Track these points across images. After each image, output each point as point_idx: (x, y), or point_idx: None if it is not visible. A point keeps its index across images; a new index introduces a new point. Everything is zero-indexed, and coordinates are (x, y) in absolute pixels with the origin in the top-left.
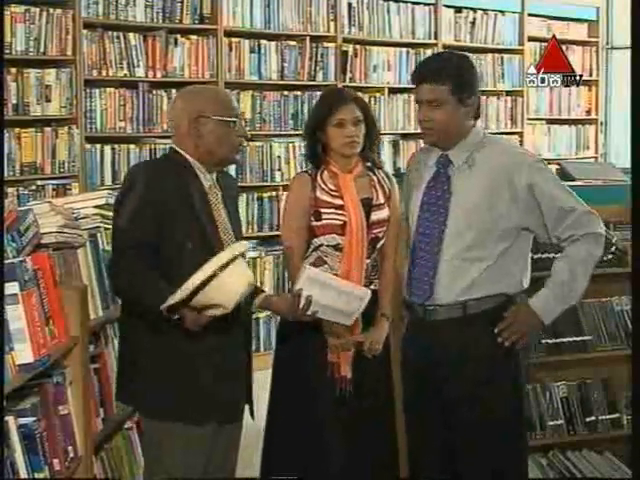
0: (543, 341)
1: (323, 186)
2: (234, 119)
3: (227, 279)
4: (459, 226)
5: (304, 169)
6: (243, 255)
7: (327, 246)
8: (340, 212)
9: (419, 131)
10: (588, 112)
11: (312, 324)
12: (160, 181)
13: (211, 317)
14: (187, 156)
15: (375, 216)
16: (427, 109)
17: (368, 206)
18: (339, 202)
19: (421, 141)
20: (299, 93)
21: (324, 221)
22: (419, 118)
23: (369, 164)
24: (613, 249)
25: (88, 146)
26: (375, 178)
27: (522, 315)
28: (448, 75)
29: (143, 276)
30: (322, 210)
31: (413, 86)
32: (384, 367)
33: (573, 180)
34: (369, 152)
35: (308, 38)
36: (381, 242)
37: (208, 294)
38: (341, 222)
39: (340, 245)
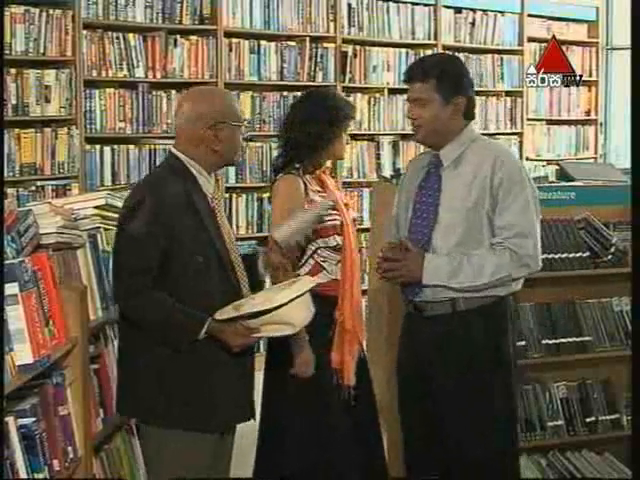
0: (543, 341)
1: (312, 187)
2: (245, 123)
3: (304, 303)
4: (447, 224)
5: (288, 171)
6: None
7: (325, 248)
8: (335, 212)
9: None
10: (588, 113)
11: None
12: (165, 201)
13: (259, 339)
14: (191, 162)
15: (352, 214)
16: (414, 107)
17: (344, 205)
18: (330, 203)
19: None
20: (299, 94)
21: (326, 223)
22: (407, 116)
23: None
24: (613, 250)
25: (88, 147)
26: (333, 181)
27: (410, 262)
28: (431, 73)
29: (172, 305)
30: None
31: None
32: (366, 366)
33: (573, 180)
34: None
35: (308, 39)
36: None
37: (284, 312)
38: (340, 222)
39: (339, 245)
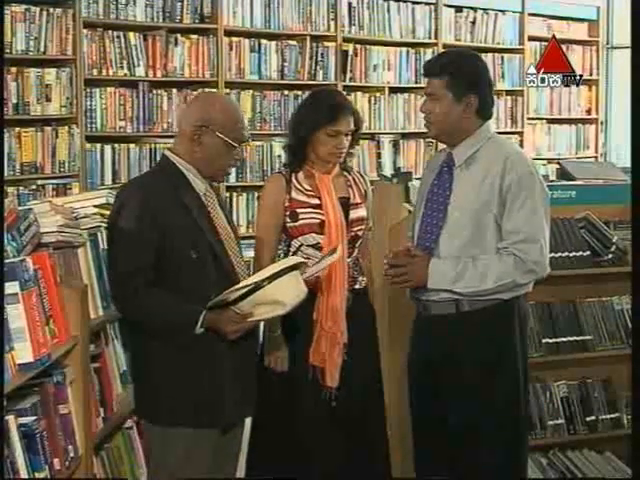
0: (543, 340)
1: (298, 186)
2: (236, 144)
3: (291, 281)
4: (454, 224)
5: (277, 170)
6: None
7: (307, 246)
8: (317, 211)
9: (419, 131)
10: (588, 111)
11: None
12: (152, 200)
13: (254, 323)
14: (182, 162)
15: (354, 214)
16: (427, 102)
17: (346, 205)
18: (316, 201)
19: (421, 141)
20: (299, 92)
21: (301, 221)
22: (420, 109)
23: (343, 164)
24: (613, 248)
25: (88, 145)
26: (350, 178)
27: (416, 267)
28: (444, 70)
29: (166, 302)
30: (298, 210)
31: (415, 85)
32: (374, 367)
33: (573, 179)
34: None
35: (308, 37)
36: (360, 240)
37: (270, 291)
38: (319, 221)
39: (320, 244)
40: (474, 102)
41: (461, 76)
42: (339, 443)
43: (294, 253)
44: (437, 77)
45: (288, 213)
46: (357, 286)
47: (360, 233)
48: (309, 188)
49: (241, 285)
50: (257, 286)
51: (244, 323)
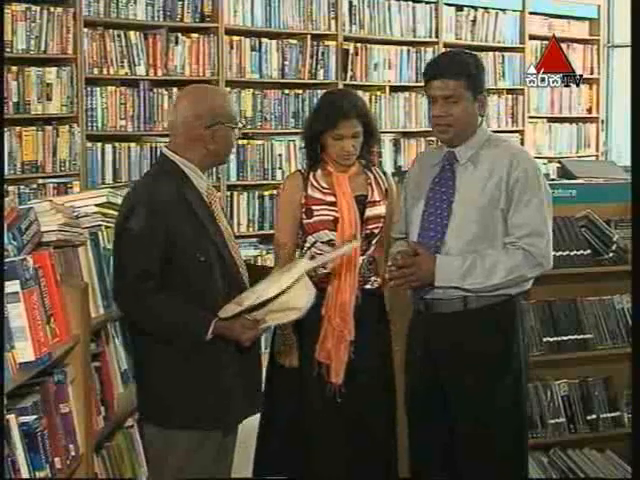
0: (544, 339)
1: (315, 184)
2: (239, 125)
3: (302, 286)
4: (460, 221)
5: (298, 168)
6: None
7: (321, 243)
8: (331, 208)
9: (420, 129)
10: (589, 110)
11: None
12: (159, 203)
13: (267, 329)
14: (183, 161)
15: (370, 212)
16: (443, 105)
17: (363, 203)
18: (331, 199)
19: (422, 139)
20: (300, 91)
21: (315, 218)
22: (434, 114)
23: (364, 162)
24: (614, 247)
25: (89, 144)
26: (371, 176)
27: (422, 266)
28: (463, 70)
29: (176, 308)
30: (313, 207)
31: (415, 84)
32: (385, 366)
33: (574, 178)
34: (365, 153)
35: (309, 36)
36: (376, 238)
37: (284, 299)
38: (332, 218)
39: (332, 241)
40: (485, 100)
41: (476, 76)
42: (344, 439)
43: (309, 248)
44: (454, 78)
45: (304, 210)
46: (368, 286)
47: (376, 231)
48: (325, 186)
49: (254, 296)
50: (275, 296)
51: (257, 330)
